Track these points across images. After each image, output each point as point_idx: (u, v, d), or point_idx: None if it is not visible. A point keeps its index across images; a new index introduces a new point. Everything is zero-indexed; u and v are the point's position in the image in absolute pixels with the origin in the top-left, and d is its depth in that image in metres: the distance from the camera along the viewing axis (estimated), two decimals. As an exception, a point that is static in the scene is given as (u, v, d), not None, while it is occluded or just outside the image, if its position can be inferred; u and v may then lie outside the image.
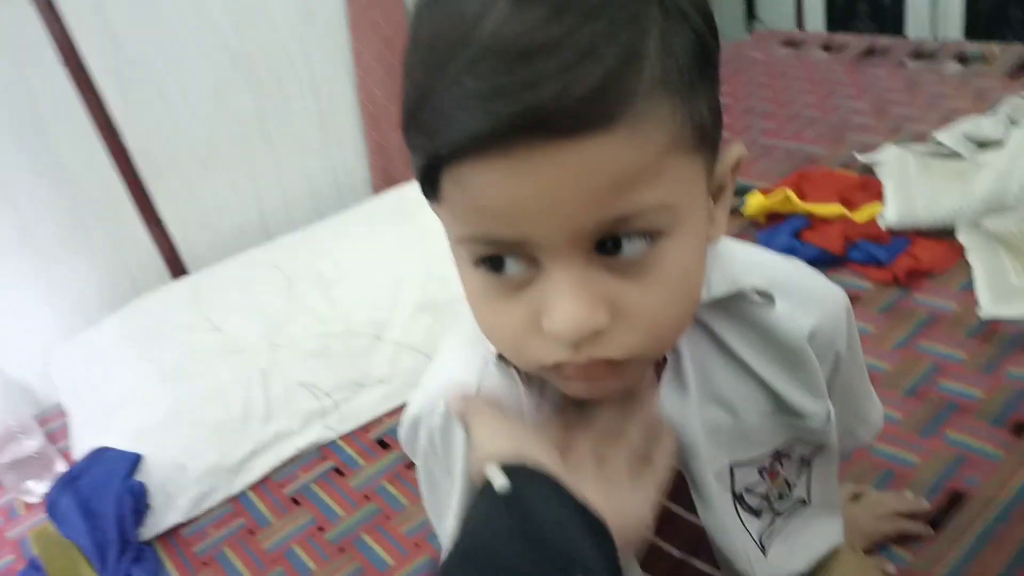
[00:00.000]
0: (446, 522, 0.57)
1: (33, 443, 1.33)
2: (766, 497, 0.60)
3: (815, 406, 0.57)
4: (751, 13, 2.69)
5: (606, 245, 0.41)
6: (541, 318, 0.42)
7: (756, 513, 0.60)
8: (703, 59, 0.42)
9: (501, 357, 0.51)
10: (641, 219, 0.40)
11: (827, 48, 2.20)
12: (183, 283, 1.65)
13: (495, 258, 0.42)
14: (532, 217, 0.39)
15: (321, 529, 1.12)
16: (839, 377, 0.60)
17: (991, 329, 1.16)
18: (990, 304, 1.18)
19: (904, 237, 1.34)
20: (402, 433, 0.58)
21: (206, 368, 1.35)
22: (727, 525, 0.56)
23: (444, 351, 0.58)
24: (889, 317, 1.22)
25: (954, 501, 0.93)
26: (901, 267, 1.27)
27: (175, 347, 1.42)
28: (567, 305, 0.40)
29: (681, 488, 0.55)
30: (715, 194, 0.48)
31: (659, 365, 0.52)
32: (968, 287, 1.23)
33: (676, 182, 0.41)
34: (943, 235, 1.34)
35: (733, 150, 0.48)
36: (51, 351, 1.55)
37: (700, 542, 0.56)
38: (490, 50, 0.37)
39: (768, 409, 0.56)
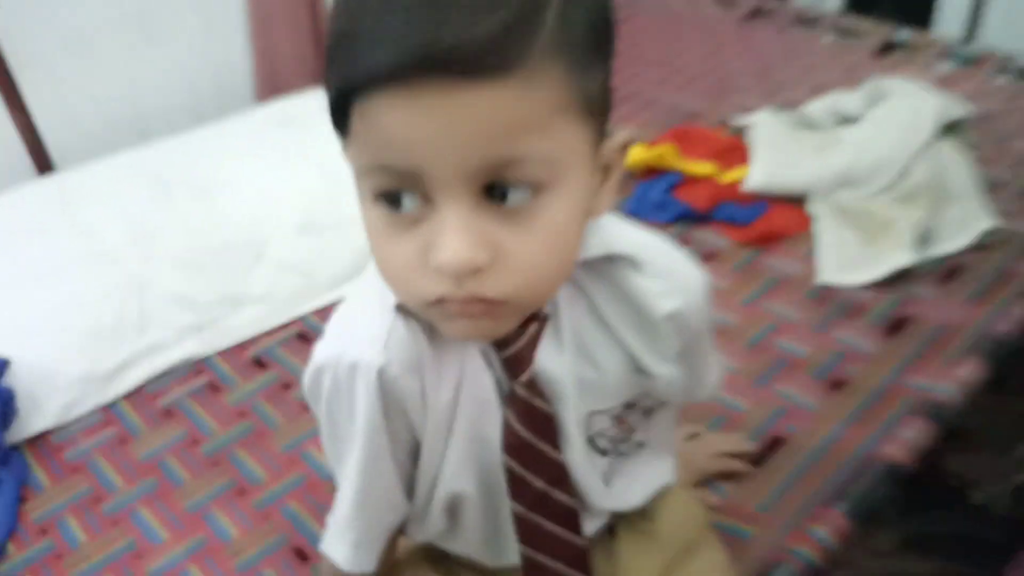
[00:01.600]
0: (345, 466, 0.63)
1: None
2: (612, 440, 0.69)
3: (664, 370, 0.66)
4: (651, -43, 2.72)
5: (494, 192, 0.46)
6: (429, 253, 0.47)
7: (603, 453, 0.69)
8: (598, 38, 0.48)
9: (400, 308, 0.56)
10: (525, 167, 0.46)
11: (719, 2, 2.28)
12: (49, 180, 1.59)
13: (393, 194, 0.47)
14: (426, 149, 0.44)
15: (195, 442, 1.15)
16: (688, 350, 0.68)
17: (826, 294, 1.29)
18: (828, 271, 1.32)
19: (763, 201, 1.45)
20: (306, 379, 0.62)
21: (75, 274, 1.32)
22: (581, 462, 0.65)
23: (352, 301, 0.63)
24: (742, 275, 1.34)
25: (774, 445, 1.07)
26: (756, 230, 1.39)
27: (41, 249, 1.38)
28: (453, 241, 0.46)
29: (547, 428, 0.63)
30: (604, 172, 0.54)
31: (541, 322, 0.59)
32: (812, 254, 1.37)
33: (561, 141, 0.47)
34: (798, 203, 1.46)
35: (622, 134, 0.54)
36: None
37: (561, 477, 0.64)
38: None
39: (625, 368, 0.65)
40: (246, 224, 1.40)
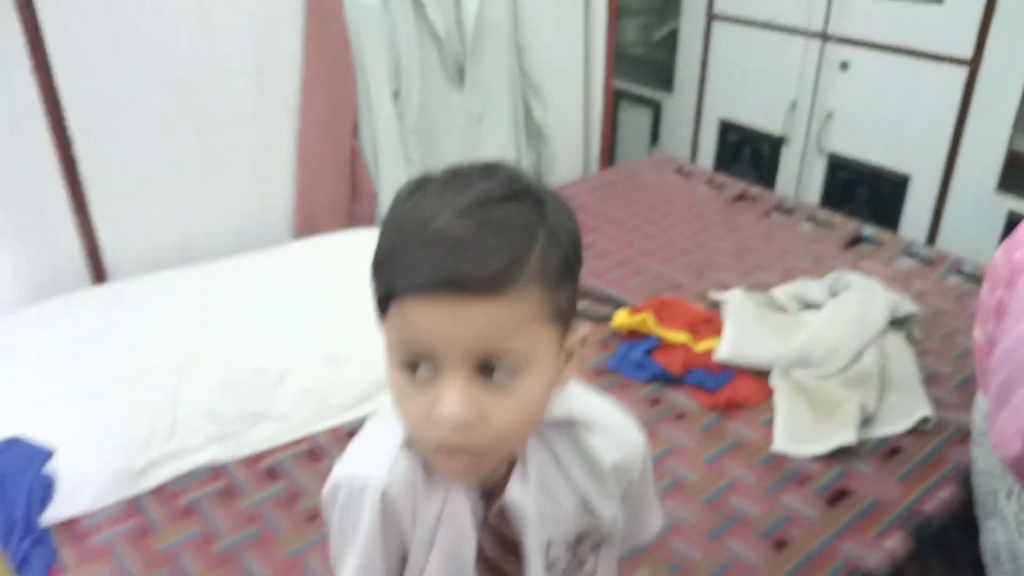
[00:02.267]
0: (345, 565, 0.79)
1: (-59, 420, 1.43)
2: (567, 567, 0.84)
3: (608, 510, 0.83)
4: (655, 137, 3.04)
5: (484, 371, 0.65)
6: (433, 408, 0.65)
7: None
8: (566, 271, 0.69)
9: (407, 443, 0.74)
10: (508, 357, 0.65)
11: (710, 183, 2.55)
12: (104, 290, 1.78)
13: (413, 363, 0.66)
14: (441, 339, 0.64)
15: (208, 541, 1.29)
16: (630, 496, 0.86)
17: (778, 461, 1.46)
18: (782, 441, 1.49)
19: (730, 371, 1.64)
20: (324, 491, 0.79)
21: (119, 381, 1.49)
22: None
23: (368, 434, 0.80)
24: (706, 436, 1.51)
25: (720, 593, 1.21)
26: (723, 397, 1.58)
27: (91, 355, 1.55)
28: (451, 401, 0.65)
29: (512, 551, 0.79)
30: (567, 357, 0.73)
31: (510, 464, 0.77)
32: (769, 423, 1.54)
33: (535, 339, 0.67)
34: (761, 375, 1.65)
35: (582, 330, 0.74)
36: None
37: None
38: (436, 236, 0.63)
39: (577, 505, 0.82)
40: (275, 350, 1.58)
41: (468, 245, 0.63)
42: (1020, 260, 1.11)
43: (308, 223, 2.09)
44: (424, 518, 0.76)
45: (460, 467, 0.69)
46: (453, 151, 2.31)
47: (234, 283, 1.76)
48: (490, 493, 0.77)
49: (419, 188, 0.68)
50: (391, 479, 0.74)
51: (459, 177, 0.68)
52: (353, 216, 2.17)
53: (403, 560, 0.80)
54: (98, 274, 1.87)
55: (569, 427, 0.79)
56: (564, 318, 0.70)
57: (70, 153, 1.74)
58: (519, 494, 0.78)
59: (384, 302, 0.67)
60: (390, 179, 2.18)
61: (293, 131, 2.07)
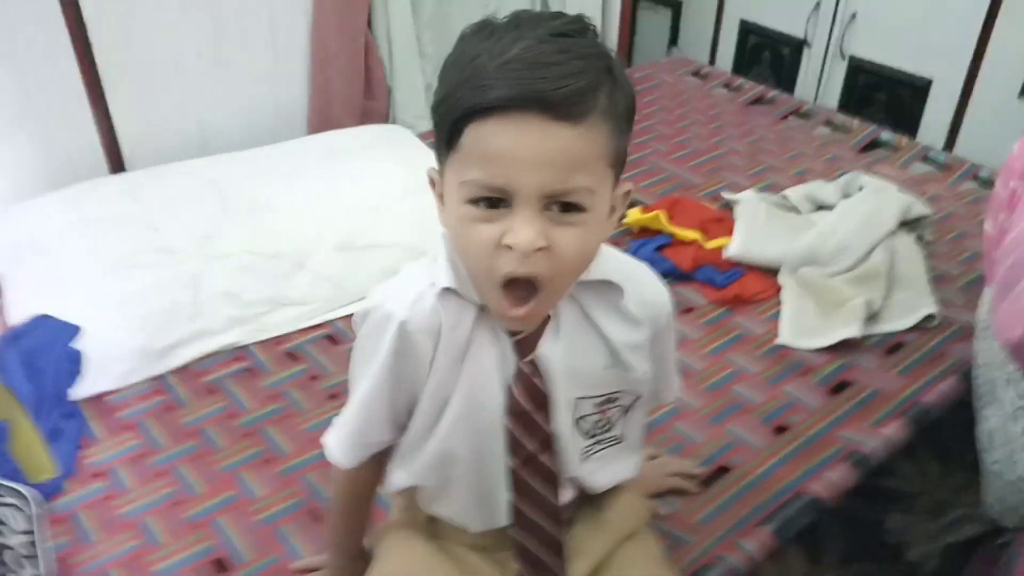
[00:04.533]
0: (358, 384, 0.84)
1: (-29, 300, 1.48)
2: (594, 425, 0.89)
3: (640, 364, 0.87)
4: (674, 39, 2.98)
5: (552, 205, 0.69)
6: (505, 237, 0.69)
7: (586, 435, 0.89)
8: (627, 119, 0.73)
9: (446, 291, 0.77)
10: (577, 193, 0.70)
11: (727, 86, 2.52)
12: (122, 178, 1.80)
13: (485, 198, 0.69)
14: (520, 164, 0.67)
15: (232, 416, 1.35)
16: (656, 348, 0.89)
17: (783, 354, 1.50)
18: (787, 335, 1.53)
19: (740, 268, 1.66)
20: (356, 317, 0.84)
21: (143, 262, 1.53)
22: (566, 436, 0.85)
23: (405, 274, 0.84)
24: (712, 329, 1.55)
25: (721, 472, 1.26)
26: (730, 292, 1.60)
27: (113, 237, 1.59)
28: (525, 229, 0.69)
29: (542, 402, 0.83)
30: (611, 209, 0.76)
31: (544, 322, 0.81)
32: (775, 318, 1.57)
33: (599, 179, 0.71)
34: (770, 273, 1.67)
35: (625, 185, 0.77)
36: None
37: (549, 444, 0.84)
38: (517, 59, 0.66)
39: (608, 362, 0.86)
40: (291, 238, 1.61)
41: (551, 65, 0.66)
42: (1036, 151, 1.11)
43: (322, 118, 2.09)
44: (442, 363, 0.79)
45: (520, 303, 0.73)
46: (468, 47, 2.28)
47: (251, 174, 1.78)
48: (524, 344, 0.81)
49: (486, 27, 0.70)
50: (411, 315, 0.78)
51: (528, 17, 0.70)
52: (367, 111, 2.16)
53: (410, 403, 0.83)
54: (115, 165, 1.89)
55: (603, 288, 0.82)
56: (620, 166, 0.74)
57: (86, 39, 1.73)
58: (550, 348, 0.82)
59: (455, 132, 0.69)
60: (405, 74, 2.16)
61: (307, 23, 2.05)
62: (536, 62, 0.65)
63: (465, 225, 0.71)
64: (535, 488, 0.85)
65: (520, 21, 0.69)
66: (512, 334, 0.81)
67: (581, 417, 0.87)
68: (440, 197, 0.76)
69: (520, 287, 0.72)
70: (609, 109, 0.69)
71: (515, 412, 0.82)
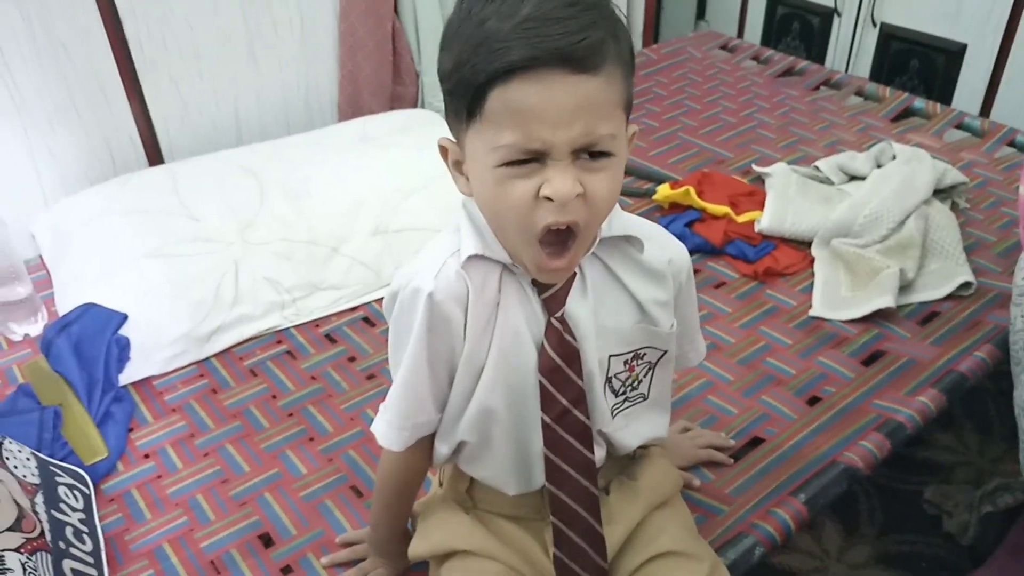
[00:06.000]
0: (399, 367, 0.85)
1: (23, 290, 1.53)
2: (624, 383, 0.91)
3: (666, 318, 0.89)
4: (701, 14, 2.96)
5: (581, 155, 0.72)
6: (542, 189, 0.71)
7: (615, 393, 0.91)
8: (632, 61, 0.75)
9: (472, 258, 0.79)
10: (602, 141, 0.72)
11: (756, 59, 2.50)
12: (162, 170, 1.85)
13: (517, 159, 0.71)
14: (551, 124, 0.69)
15: (274, 397, 1.39)
16: (680, 300, 0.92)
17: (815, 326, 1.50)
18: (820, 307, 1.52)
19: (771, 242, 1.66)
20: (385, 299, 0.87)
21: (185, 251, 1.57)
22: (597, 392, 0.87)
23: (428, 249, 0.85)
24: (744, 302, 1.55)
25: (753, 444, 1.27)
26: (762, 266, 1.60)
27: (155, 227, 1.63)
28: (562, 180, 0.71)
29: (573, 358, 0.84)
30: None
31: (571, 280, 0.83)
32: (808, 290, 1.57)
33: (618, 124, 0.74)
34: (801, 245, 1.67)
35: (632, 127, 0.80)
36: (34, 214, 1.74)
37: (581, 399, 0.86)
38: (531, 18, 0.68)
39: (636, 318, 0.88)
40: (327, 223, 1.64)
41: (565, 20, 0.68)
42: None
43: (352, 104, 2.12)
44: (474, 328, 0.81)
45: (558, 255, 0.75)
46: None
47: (285, 161, 1.81)
48: (552, 301, 0.83)
49: None
50: (437, 285, 0.79)
51: None
52: (396, 97, 2.19)
53: (451, 374, 0.85)
54: (153, 157, 1.94)
55: (623, 243, 0.85)
56: (629, 109, 0.76)
57: (122, 35, 1.78)
58: (578, 305, 0.84)
59: (477, 98, 0.70)
60: (432, 59, 2.17)
61: (335, 11, 2.07)
62: (549, 18, 0.67)
63: (500, 184, 0.73)
64: (570, 442, 0.87)
65: None
66: (540, 291, 0.82)
67: (612, 376, 0.88)
68: (457, 164, 0.78)
69: (558, 238, 0.74)
70: (619, 55, 0.71)
71: (547, 368, 0.84)
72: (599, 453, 0.92)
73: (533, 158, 0.71)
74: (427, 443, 0.92)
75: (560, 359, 0.83)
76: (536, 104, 0.68)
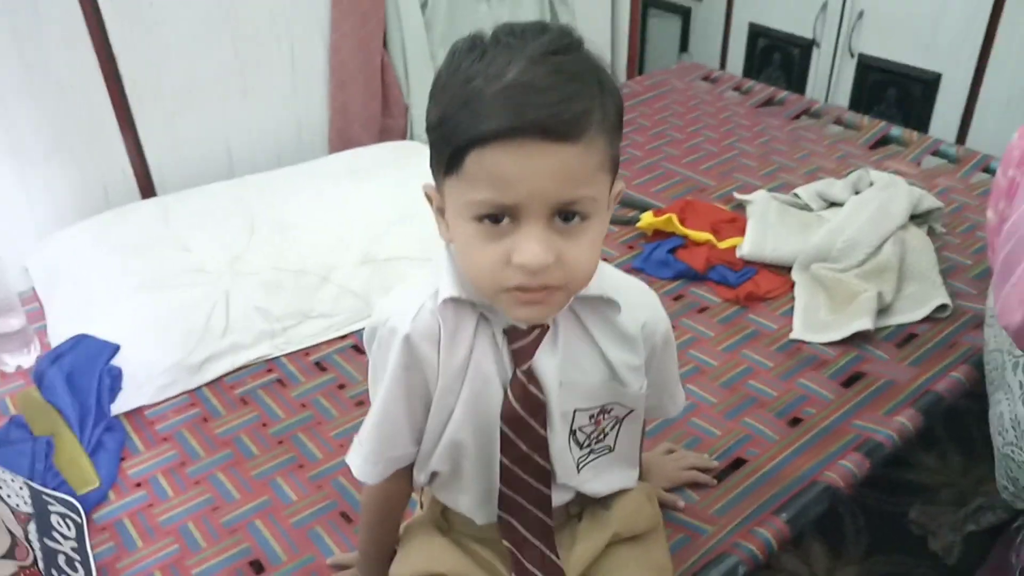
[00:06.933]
0: (375, 400, 0.87)
1: (16, 322, 1.55)
2: (589, 436, 0.92)
3: (636, 380, 0.90)
4: (684, 46, 3.03)
5: (557, 218, 0.72)
6: (512, 255, 0.71)
7: (579, 445, 0.92)
8: (618, 123, 0.76)
9: (448, 301, 0.80)
10: (580, 204, 0.72)
11: (737, 89, 2.55)
12: (153, 203, 1.88)
13: (490, 215, 0.71)
14: (526, 188, 0.70)
15: (264, 425, 1.41)
16: (655, 362, 0.93)
17: (796, 348, 1.53)
18: (800, 330, 1.56)
19: (752, 267, 1.70)
20: (365, 333, 0.89)
21: (176, 282, 1.60)
22: (560, 443, 0.89)
23: (408, 286, 0.87)
24: (726, 327, 1.58)
25: (736, 465, 1.30)
26: (744, 291, 1.64)
27: (147, 259, 1.65)
28: (534, 247, 0.71)
29: (537, 410, 0.86)
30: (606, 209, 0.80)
31: (543, 329, 0.84)
32: (788, 314, 1.60)
33: (600, 187, 0.74)
34: (782, 270, 1.71)
35: (619, 184, 0.81)
36: (27, 248, 1.76)
37: (541, 446, 0.88)
38: (516, 84, 0.68)
39: (605, 377, 0.89)
40: (316, 253, 1.67)
41: (548, 90, 0.68)
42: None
43: (342, 137, 2.16)
44: (448, 368, 0.83)
45: (534, 308, 0.75)
46: (481, 63, 2.34)
47: (276, 193, 1.84)
48: (521, 353, 0.83)
49: (478, 45, 0.71)
50: (413, 327, 0.81)
51: (516, 32, 0.71)
52: (385, 129, 2.23)
53: (427, 408, 0.87)
54: (146, 190, 1.97)
55: (600, 303, 0.85)
56: (615, 170, 0.76)
57: (116, 70, 1.81)
58: (547, 359, 0.84)
59: (456, 157, 0.70)
60: (420, 91, 2.22)
61: (325, 47, 2.12)
62: (533, 87, 0.67)
63: (471, 244, 0.74)
64: (525, 480, 0.88)
65: (507, 38, 0.71)
66: (510, 342, 0.83)
67: (577, 428, 0.89)
68: (440, 212, 0.79)
69: (530, 294, 0.74)
70: (603, 122, 0.71)
71: (509, 417, 0.85)
72: (565, 496, 0.94)
73: (507, 214, 0.71)
74: (406, 472, 0.93)
75: (523, 410, 0.84)
76: (510, 170, 0.68)
